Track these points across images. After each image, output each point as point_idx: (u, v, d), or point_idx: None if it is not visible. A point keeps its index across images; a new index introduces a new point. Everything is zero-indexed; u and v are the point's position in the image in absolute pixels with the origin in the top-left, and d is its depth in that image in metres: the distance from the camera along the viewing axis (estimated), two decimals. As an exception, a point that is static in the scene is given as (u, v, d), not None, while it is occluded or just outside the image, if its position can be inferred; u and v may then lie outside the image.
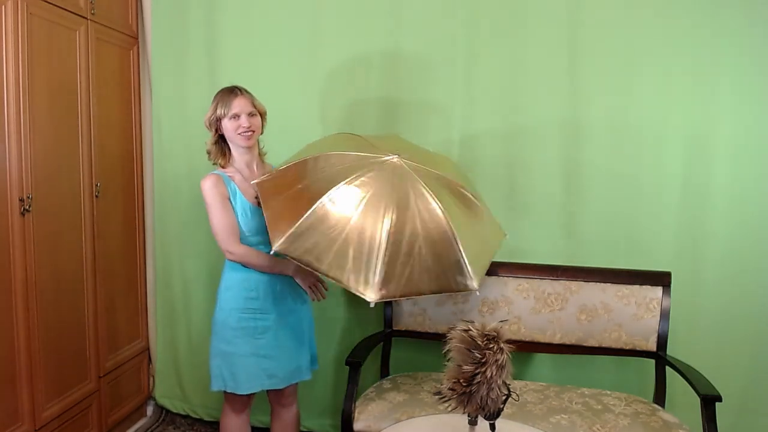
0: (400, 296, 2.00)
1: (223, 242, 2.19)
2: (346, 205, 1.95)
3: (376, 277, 1.92)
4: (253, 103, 2.23)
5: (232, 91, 2.22)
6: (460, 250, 1.96)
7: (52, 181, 2.40)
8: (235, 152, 2.27)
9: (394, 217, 1.93)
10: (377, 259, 1.92)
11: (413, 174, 2.02)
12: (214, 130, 2.24)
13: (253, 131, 2.21)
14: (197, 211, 2.98)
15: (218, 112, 2.20)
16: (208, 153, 2.28)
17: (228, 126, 2.20)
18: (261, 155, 2.36)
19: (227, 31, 2.91)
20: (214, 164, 2.28)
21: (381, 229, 1.92)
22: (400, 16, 2.75)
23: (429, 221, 1.97)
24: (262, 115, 2.27)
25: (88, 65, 2.60)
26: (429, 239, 1.96)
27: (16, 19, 2.18)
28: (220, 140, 2.26)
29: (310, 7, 2.82)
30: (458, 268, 1.98)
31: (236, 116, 2.19)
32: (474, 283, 1.99)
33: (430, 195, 1.98)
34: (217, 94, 2.25)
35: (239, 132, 2.19)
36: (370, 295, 1.92)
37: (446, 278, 2.00)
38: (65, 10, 2.45)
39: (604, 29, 2.59)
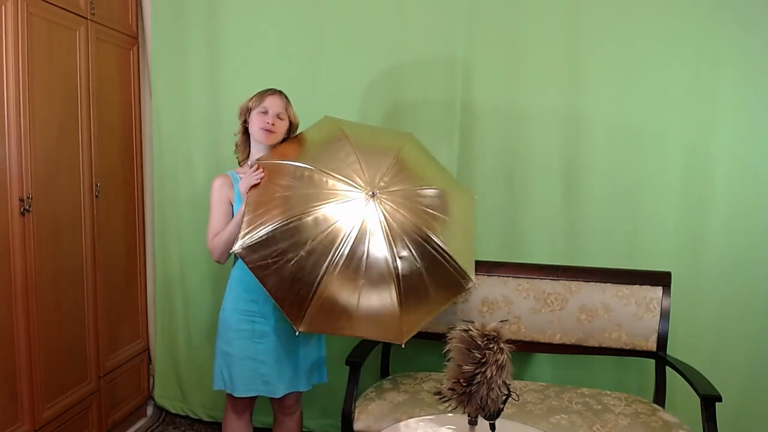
0: (325, 332, 2.18)
1: (208, 243, 2.22)
2: (304, 234, 1.95)
3: (307, 312, 1.98)
4: (287, 107, 2.24)
5: (270, 89, 2.25)
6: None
7: (52, 181, 2.40)
8: (254, 149, 2.28)
9: (340, 258, 1.95)
10: (310, 293, 1.96)
11: (383, 215, 2.00)
12: (242, 119, 2.26)
13: (275, 132, 2.20)
14: (197, 210, 2.99)
15: (250, 103, 2.23)
16: (236, 145, 2.32)
17: (254, 118, 2.21)
18: None
19: (227, 31, 2.91)
20: (238, 159, 2.33)
21: (324, 267, 1.95)
22: (401, 14, 2.75)
23: (374, 268, 1.99)
24: (293, 123, 2.27)
25: (88, 65, 2.60)
26: (370, 287, 2.00)
27: (16, 19, 2.18)
28: (245, 134, 2.28)
29: (310, 6, 2.82)
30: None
31: (265, 111, 2.20)
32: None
33: (386, 239, 1.99)
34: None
35: (261, 126, 2.19)
36: (299, 326, 1.99)
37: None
38: (65, 10, 2.45)
39: (605, 32, 2.59)
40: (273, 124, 2.19)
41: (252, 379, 2.19)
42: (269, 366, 2.19)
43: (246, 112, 2.24)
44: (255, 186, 2.08)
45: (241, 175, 2.24)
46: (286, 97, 2.26)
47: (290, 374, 2.24)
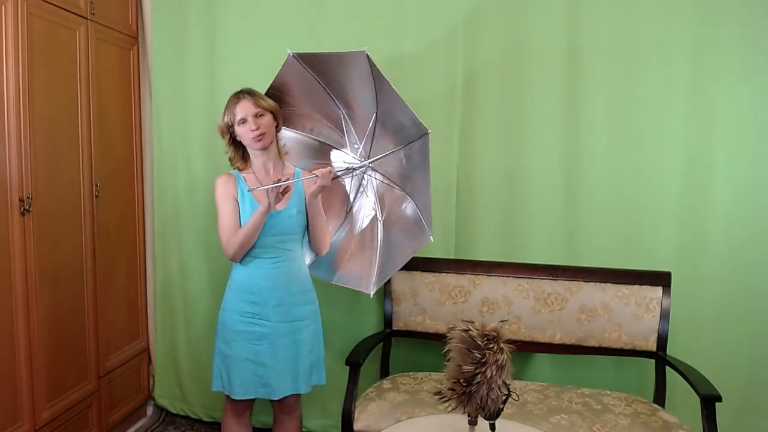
0: None
1: (222, 243, 2.19)
2: None
3: None
4: (258, 103, 2.17)
5: (236, 96, 2.19)
6: None
7: (52, 181, 2.40)
8: (252, 155, 2.26)
9: None
10: None
11: None
12: (228, 137, 2.23)
13: (264, 132, 2.17)
14: (197, 210, 2.99)
15: (226, 119, 2.19)
16: (231, 160, 2.28)
17: (240, 132, 2.18)
18: (281, 154, 2.31)
19: (227, 31, 2.91)
20: (238, 168, 2.29)
21: None
22: (400, 15, 2.74)
23: None
24: (274, 113, 2.22)
25: (88, 65, 2.60)
26: None
27: (16, 19, 2.18)
28: (238, 145, 2.25)
29: (309, 6, 2.82)
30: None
31: (243, 120, 2.16)
32: None
33: None
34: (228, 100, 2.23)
35: (251, 137, 2.16)
36: None
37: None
38: (65, 10, 2.45)
39: (605, 34, 2.58)
40: (258, 128, 2.15)
41: (250, 381, 2.18)
42: (268, 368, 2.18)
43: (228, 129, 2.20)
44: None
45: (243, 175, 2.24)
46: (249, 92, 2.19)
47: (290, 376, 2.22)
